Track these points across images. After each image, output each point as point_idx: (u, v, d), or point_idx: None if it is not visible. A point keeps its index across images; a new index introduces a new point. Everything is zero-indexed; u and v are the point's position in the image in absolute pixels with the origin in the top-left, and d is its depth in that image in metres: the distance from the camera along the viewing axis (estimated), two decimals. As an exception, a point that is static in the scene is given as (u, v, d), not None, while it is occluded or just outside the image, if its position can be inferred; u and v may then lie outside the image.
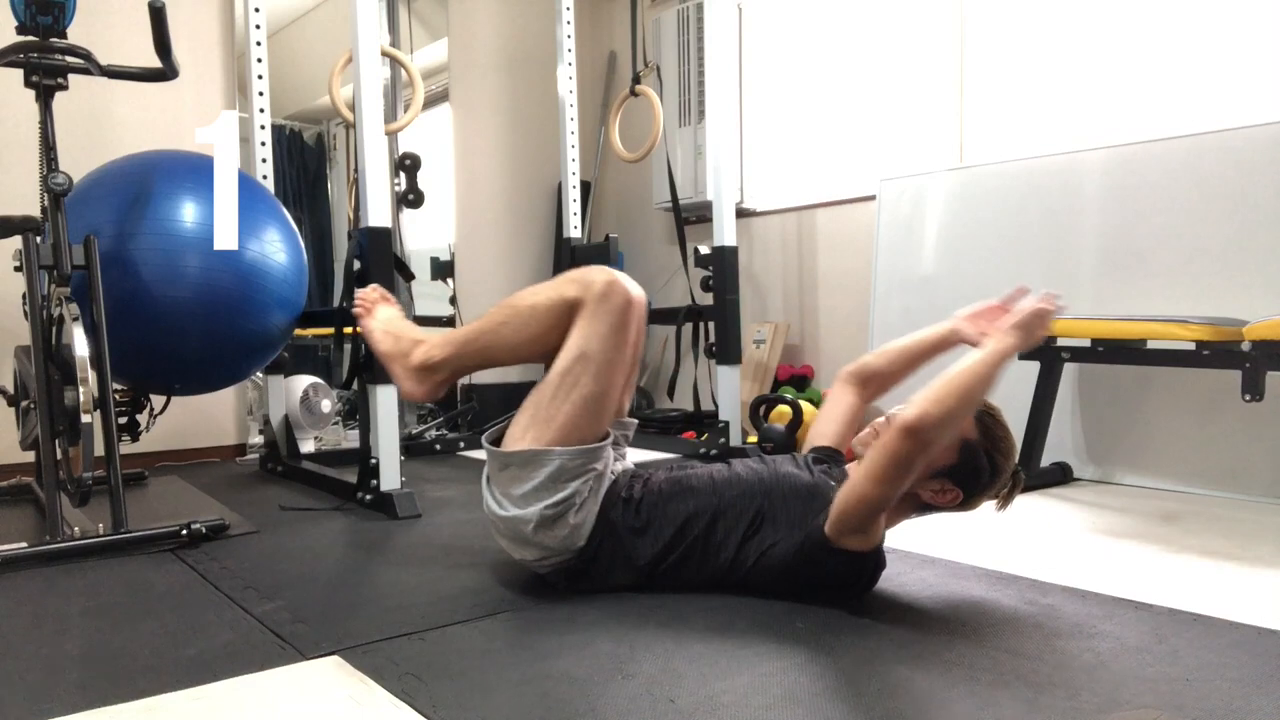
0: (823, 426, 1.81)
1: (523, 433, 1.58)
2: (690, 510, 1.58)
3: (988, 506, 1.57)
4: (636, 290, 1.60)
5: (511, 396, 3.93)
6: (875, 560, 1.53)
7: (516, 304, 1.66)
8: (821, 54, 3.67)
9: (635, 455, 1.76)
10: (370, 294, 1.95)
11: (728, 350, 3.09)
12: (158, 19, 2.05)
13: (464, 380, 3.93)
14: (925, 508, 1.56)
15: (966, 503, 1.53)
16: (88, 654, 1.36)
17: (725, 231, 3.08)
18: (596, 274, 1.59)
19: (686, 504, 1.59)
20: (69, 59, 2.05)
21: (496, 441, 1.63)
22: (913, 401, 1.36)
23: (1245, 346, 2.08)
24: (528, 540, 1.58)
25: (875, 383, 1.81)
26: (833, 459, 1.71)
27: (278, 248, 2.50)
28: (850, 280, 3.53)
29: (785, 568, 1.51)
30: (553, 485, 1.55)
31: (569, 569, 1.60)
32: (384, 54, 2.88)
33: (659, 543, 1.58)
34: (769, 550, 1.52)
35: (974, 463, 1.51)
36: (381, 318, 1.88)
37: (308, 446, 3.22)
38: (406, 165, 3.58)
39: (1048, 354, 2.49)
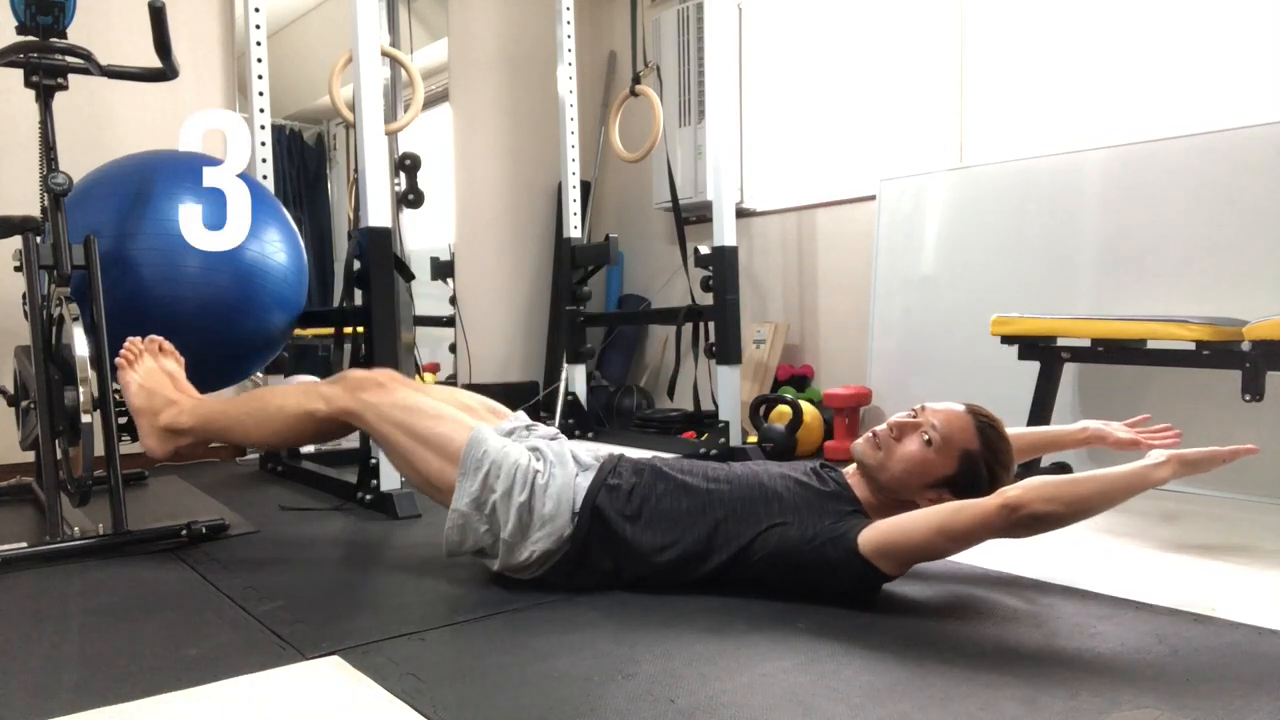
0: None
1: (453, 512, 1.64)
2: (690, 507, 1.57)
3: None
4: (363, 374, 1.74)
5: (512, 397, 3.95)
6: (883, 574, 1.52)
7: (266, 404, 1.79)
8: (821, 54, 3.67)
9: (636, 456, 1.76)
10: (137, 345, 1.96)
11: (728, 350, 3.09)
12: (158, 19, 2.04)
13: (464, 380, 3.94)
14: None
15: None
16: (88, 654, 1.36)
17: (725, 231, 3.08)
18: (334, 388, 1.73)
19: (683, 501, 1.58)
20: (69, 59, 2.05)
21: (448, 549, 1.66)
22: (1029, 486, 1.35)
23: (1245, 346, 2.08)
24: (524, 565, 1.60)
25: None
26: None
27: (278, 248, 2.50)
28: (850, 280, 3.53)
29: (796, 563, 1.49)
30: (482, 518, 1.59)
31: (563, 562, 1.60)
32: (384, 54, 2.87)
33: (656, 535, 1.57)
34: (778, 547, 1.51)
35: (973, 473, 1.51)
36: (143, 370, 1.92)
37: (308, 446, 3.21)
38: (406, 165, 3.57)
39: (1048, 354, 2.49)
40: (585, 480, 1.63)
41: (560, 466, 1.64)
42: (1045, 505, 1.33)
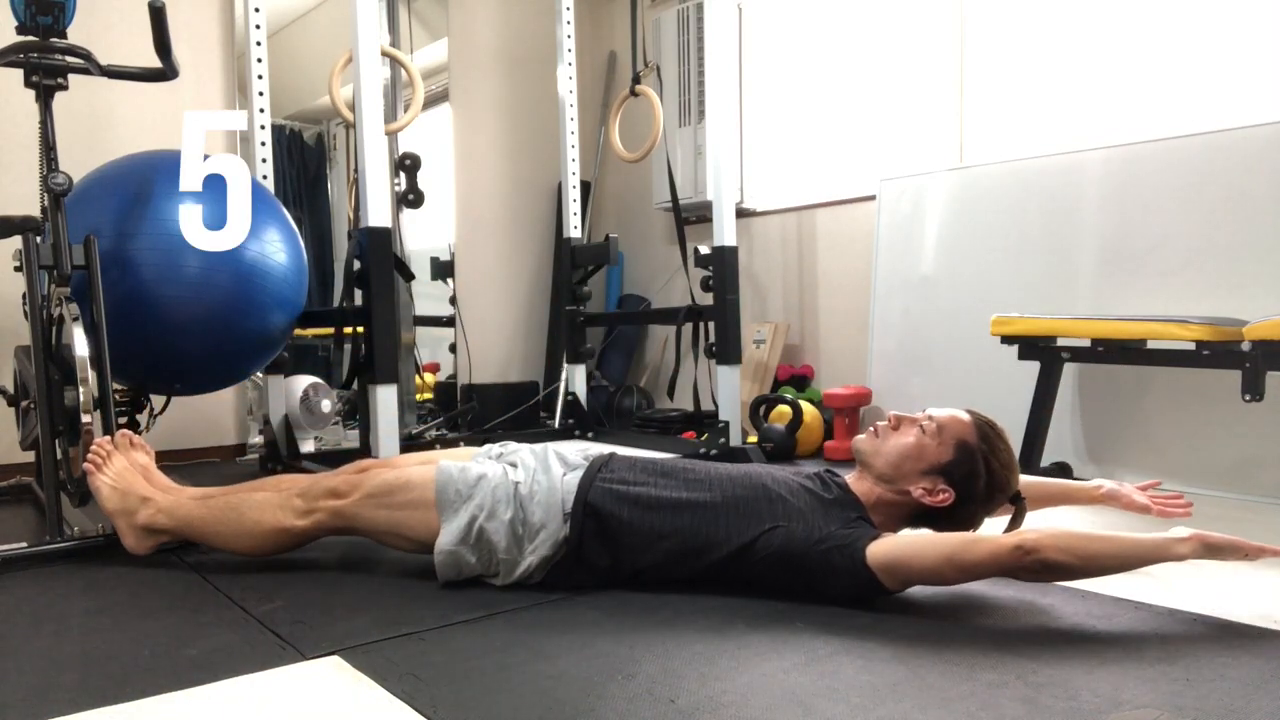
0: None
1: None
2: (689, 501, 1.57)
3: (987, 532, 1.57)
4: (330, 481, 1.73)
5: (512, 396, 3.95)
6: (881, 585, 1.52)
7: (243, 513, 1.77)
8: (821, 54, 3.67)
9: (628, 454, 1.76)
10: (105, 445, 1.90)
11: (728, 350, 3.09)
12: (158, 19, 2.05)
13: (464, 380, 3.94)
14: (919, 516, 1.56)
15: (959, 510, 1.53)
16: (88, 654, 1.36)
17: (725, 231, 3.08)
18: (314, 503, 1.72)
19: (682, 494, 1.58)
20: (69, 59, 2.05)
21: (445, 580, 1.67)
22: (1047, 534, 1.36)
23: (1245, 346, 2.08)
24: (529, 573, 1.61)
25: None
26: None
27: (278, 248, 2.50)
28: (850, 280, 3.53)
29: (798, 565, 1.49)
30: (470, 546, 1.60)
31: (564, 563, 1.60)
32: (384, 54, 2.88)
33: (655, 522, 1.56)
34: (781, 549, 1.50)
35: (970, 465, 1.51)
36: (113, 472, 1.87)
37: (308, 446, 3.21)
38: (406, 165, 3.57)
39: (1048, 354, 2.49)
40: (575, 478, 1.63)
41: (544, 472, 1.64)
42: (1059, 555, 1.35)
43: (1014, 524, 1.57)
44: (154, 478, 1.91)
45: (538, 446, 1.74)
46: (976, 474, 1.51)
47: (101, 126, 3.11)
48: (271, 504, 1.75)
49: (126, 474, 1.88)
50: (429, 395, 4.04)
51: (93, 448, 1.88)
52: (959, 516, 1.54)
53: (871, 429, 1.61)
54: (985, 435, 1.54)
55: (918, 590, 1.60)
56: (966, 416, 1.57)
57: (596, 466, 1.66)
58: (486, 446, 1.84)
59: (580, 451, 1.73)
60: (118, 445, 1.90)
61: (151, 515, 1.82)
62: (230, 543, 1.78)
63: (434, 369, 4.10)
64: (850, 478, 1.62)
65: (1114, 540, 1.38)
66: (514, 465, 1.67)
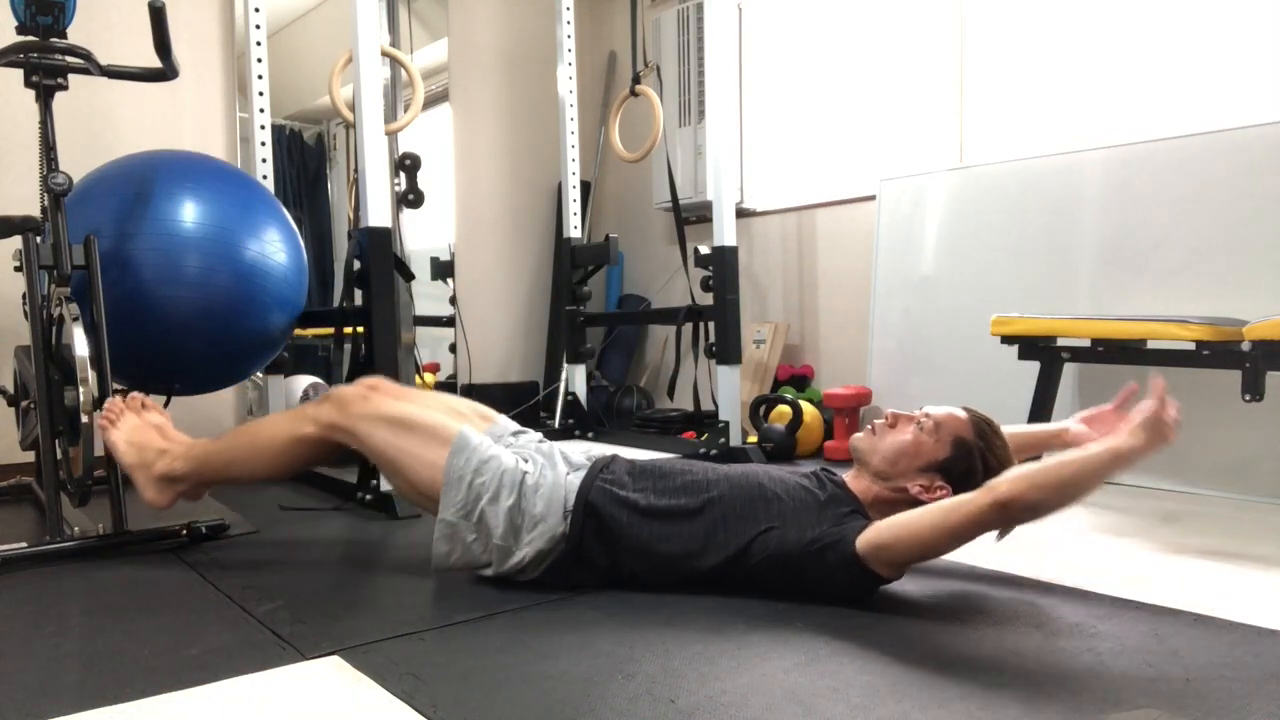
0: None
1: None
2: (686, 505, 1.57)
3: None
4: (350, 390, 1.73)
5: (512, 396, 3.95)
6: (879, 577, 1.53)
7: (256, 435, 1.79)
8: (821, 54, 3.67)
9: (636, 456, 1.77)
10: (117, 404, 1.93)
11: (728, 350, 3.09)
12: (158, 19, 2.04)
13: (464, 380, 3.94)
14: None
15: None
16: (88, 654, 1.36)
17: (725, 231, 3.08)
18: (321, 408, 1.73)
19: (680, 498, 1.58)
20: (69, 59, 2.05)
21: (436, 563, 1.66)
22: (1013, 477, 1.35)
23: (1245, 346, 2.08)
24: (520, 568, 1.60)
25: None
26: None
27: (278, 248, 2.50)
28: (850, 280, 3.53)
29: (794, 566, 1.50)
30: (470, 526, 1.59)
31: (562, 561, 1.60)
32: (384, 54, 2.88)
33: (654, 526, 1.57)
34: (777, 549, 1.51)
35: (967, 462, 1.51)
36: (126, 428, 1.90)
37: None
38: (406, 165, 3.57)
39: (1048, 354, 2.49)
40: (577, 479, 1.63)
41: (551, 468, 1.64)
42: (1036, 493, 1.33)
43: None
44: (169, 434, 1.92)
45: (544, 444, 1.74)
46: (974, 471, 1.51)
47: (101, 126, 3.11)
48: (284, 419, 1.77)
49: (141, 429, 1.90)
50: (429, 395, 4.04)
51: (105, 406, 1.91)
52: None
53: (869, 427, 1.62)
54: (982, 432, 1.55)
55: (917, 590, 1.60)
56: (963, 414, 1.57)
57: (599, 468, 1.66)
58: (504, 419, 1.83)
59: (583, 452, 1.73)
60: (129, 406, 1.93)
61: (169, 464, 1.83)
62: (248, 467, 1.78)
63: (434, 369, 4.10)
64: (848, 476, 1.63)
65: (1073, 462, 1.35)
66: (523, 454, 1.67)
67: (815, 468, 1.69)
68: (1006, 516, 1.35)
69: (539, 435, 1.80)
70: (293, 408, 1.81)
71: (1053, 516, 1.36)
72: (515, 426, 1.81)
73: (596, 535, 1.58)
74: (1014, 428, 1.73)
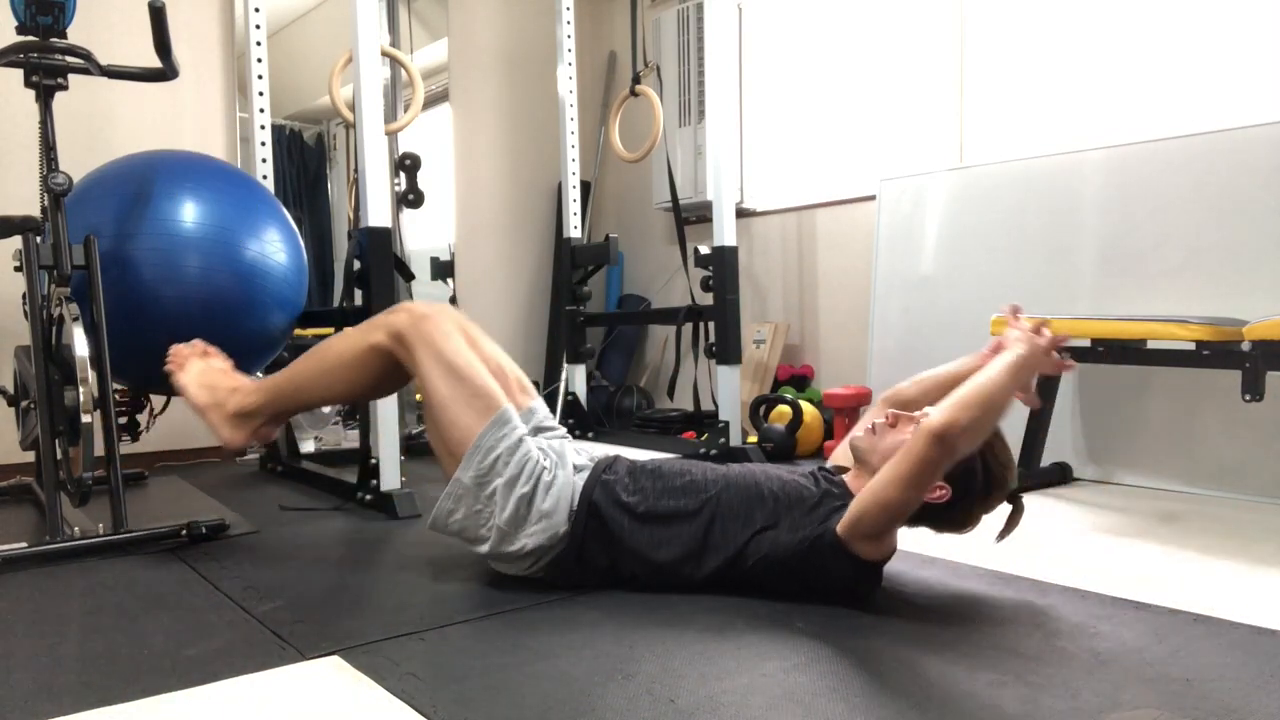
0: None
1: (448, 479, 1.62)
2: (685, 507, 1.58)
3: (988, 533, 1.57)
4: (436, 307, 1.69)
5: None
6: (876, 568, 1.53)
7: (326, 351, 1.75)
8: (821, 54, 3.67)
9: (636, 456, 1.77)
10: (182, 349, 1.93)
11: (728, 350, 3.09)
12: (158, 19, 2.05)
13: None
14: (916, 514, 1.55)
15: (957, 506, 1.53)
16: (88, 654, 1.36)
17: (725, 231, 3.08)
18: (397, 315, 1.69)
19: (679, 500, 1.59)
20: (69, 59, 2.05)
21: (433, 520, 1.65)
22: (940, 408, 1.38)
23: (1245, 346, 2.08)
24: (515, 556, 1.60)
25: (909, 410, 1.79)
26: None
27: (278, 248, 2.50)
28: (850, 280, 3.53)
29: (789, 567, 1.51)
30: (480, 498, 1.58)
31: (561, 560, 1.60)
32: (384, 54, 2.88)
33: (652, 532, 1.57)
34: (771, 549, 1.52)
35: (967, 461, 1.51)
36: (194, 371, 1.89)
37: (308, 446, 3.22)
38: (406, 165, 3.57)
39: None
40: (581, 479, 1.64)
41: (562, 467, 1.64)
42: (964, 414, 1.37)
43: (1010, 524, 1.57)
44: (234, 375, 1.90)
45: (562, 441, 1.74)
46: (973, 471, 1.51)
47: (101, 126, 3.11)
48: (354, 332, 1.74)
49: (208, 371, 1.88)
50: (429, 395, 4.04)
51: (170, 353, 1.90)
52: (956, 513, 1.53)
53: (869, 426, 1.62)
54: None
55: (917, 590, 1.60)
56: None
57: (601, 468, 1.66)
58: (541, 403, 1.79)
59: (585, 453, 1.73)
60: (192, 351, 1.92)
61: (241, 400, 1.81)
62: (321, 386, 1.75)
63: (434, 369, 4.09)
64: (849, 475, 1.63)
65: (982, 378, 1.42)
66: (547, 449, 1.66)
67: (814, 467, 1.69)
68: (947, 445, 1.36)
69: (563, 430, 1.79)
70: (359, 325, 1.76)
71: (982, 434, 1.41)
72: (546, 412, 1.79)
73: (597, 536, 1.58)
74: (928, 373, 1.76)
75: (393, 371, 1.74)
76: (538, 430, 1.74)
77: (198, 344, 1.96)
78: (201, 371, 1.89)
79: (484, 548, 1.62)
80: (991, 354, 1.55)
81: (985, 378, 1.42)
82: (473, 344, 1.72)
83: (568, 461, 1.66)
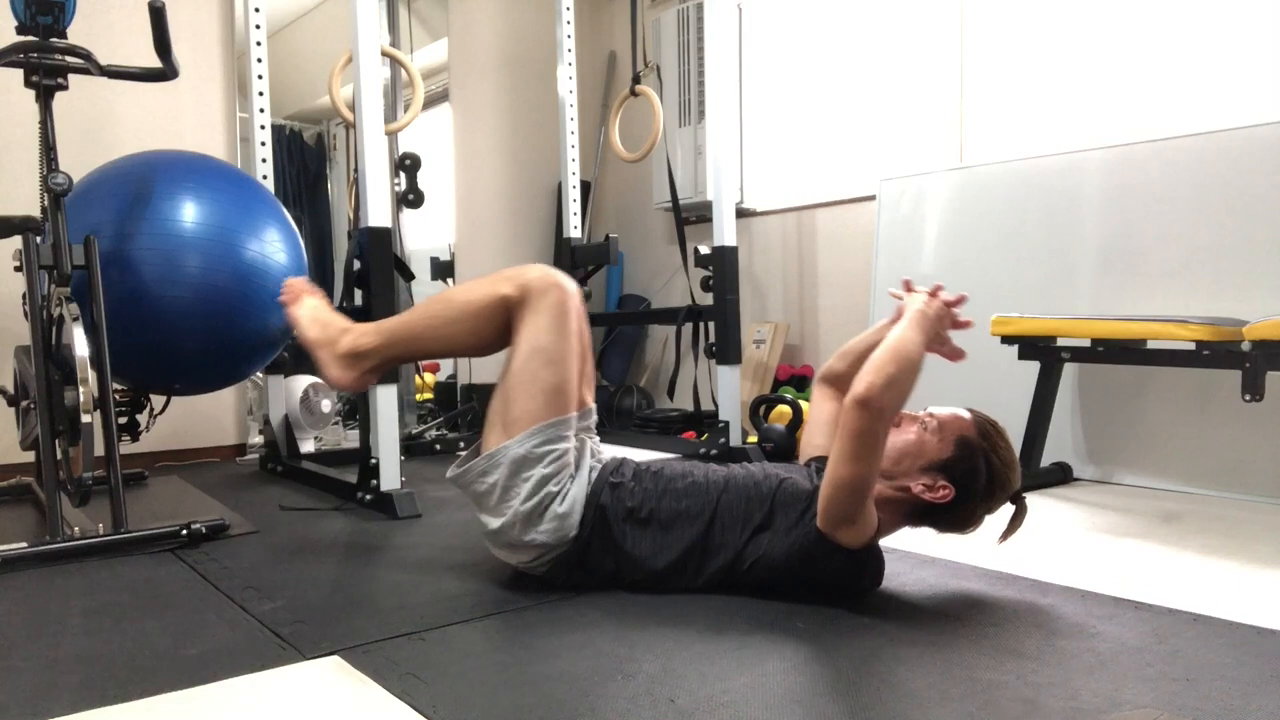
0: (813, 437, 1.82)
1: (486, 437, 1.61)
2: (686, 510, 1.58)
3: (990, 533, 1.57)
4: (570, 282, 1.64)
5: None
6: (874, 559, 1.54)
7: (451, 298, 1.69)
8: (821, 54, 3.67)
9: (636, 455, 1.76)
10: (296, 282, 1.91)
11: (728, 350, 3.09)
12: (158, 19, 2.05)
13: (464, 380, 3.94)
14: (918, 514, 1.55)
15: (959, 506, 1.53)
16: (88, 654, 1.36)
17: (725, 231, 3.08)
18: (531, 271, 1.64)
19: (681, 503, 1.59)
20: (69, 59, 2.05)
21: (460, 473, 1.64)
22: (858, 377, 1.40)
23: (1245, 346, 2.08)
24: (519, 544, 1.59)
25: (844, 384, 1.80)
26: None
27: (278, 248, 2.50)
28: (850, 280, 3.53)
29: (785, 566, 1.52)
30: (516, 478, 1.56)
31: (565, 560, 1.60)
32: (384, 54, 2.87)
33: (653, 540, 1.58)
34: (767, 550, 1.52)
35: (970, 461, 1.51)
36: (308, 305, 1.86)
37: (308, 446, 3.22)
38: (406, 165, 3.57)
39: (1048, 354, 2.49)
40: (591, 476, 1.64)
41: (580, 471, 1.64)
42: (881, 374, 1.39)
43: (1013, 524, 1.57)
44: (345, 317, 1.86)
45: (588, 454, 1.72)
46: (977, 470, 1.51)
47: (101, 126, 3.11)
48: (480, 282, 1.67)
49: (322, 307, 1.85)
50: (429, 395, 4.04)
51: (284, 286, 1.87)
52: (959, 513, 1.53)
53: None
54: (986, 433, 1.54)
55: (917, 590, 1.60)
56: (967, 414, 1.57)
57: (609, 470, 1.66)
58: (593, 409, 1.76)
59: (599, 452, 1.73)
60: (306, 287, 1.89)
61: (355, 339, 1.75)
62: (446, 338, 1.69)
63: (434, 369, 4.10)
64: None
65: (890, 339, 1.45)
66: (577, 464, 1.65)
67: (817, 463, 1.68)
68: (873, 408, 1.37)
69: (597, 438, 1.78)
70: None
71: (903, 388, 1.41)
72: (593, 421, 1.78)
73: (603, 540, 1.59)
74: (851, 343, 1.84)
75: (509, 323, 1.67)
76: (581, 435, 1.72)
77: (305, 279, 1.92)
78: (315, 307, 1.85)
79: (494, 523, 1.60)
80: (895, 319, 1.60)
81: (892, 336, 1.46)
82: (581, 328, 1.67)
83: (585, 464, 1.65)
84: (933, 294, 1.58)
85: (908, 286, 1.63)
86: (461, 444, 3.54)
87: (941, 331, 1.57)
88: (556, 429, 1.59)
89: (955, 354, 1.61)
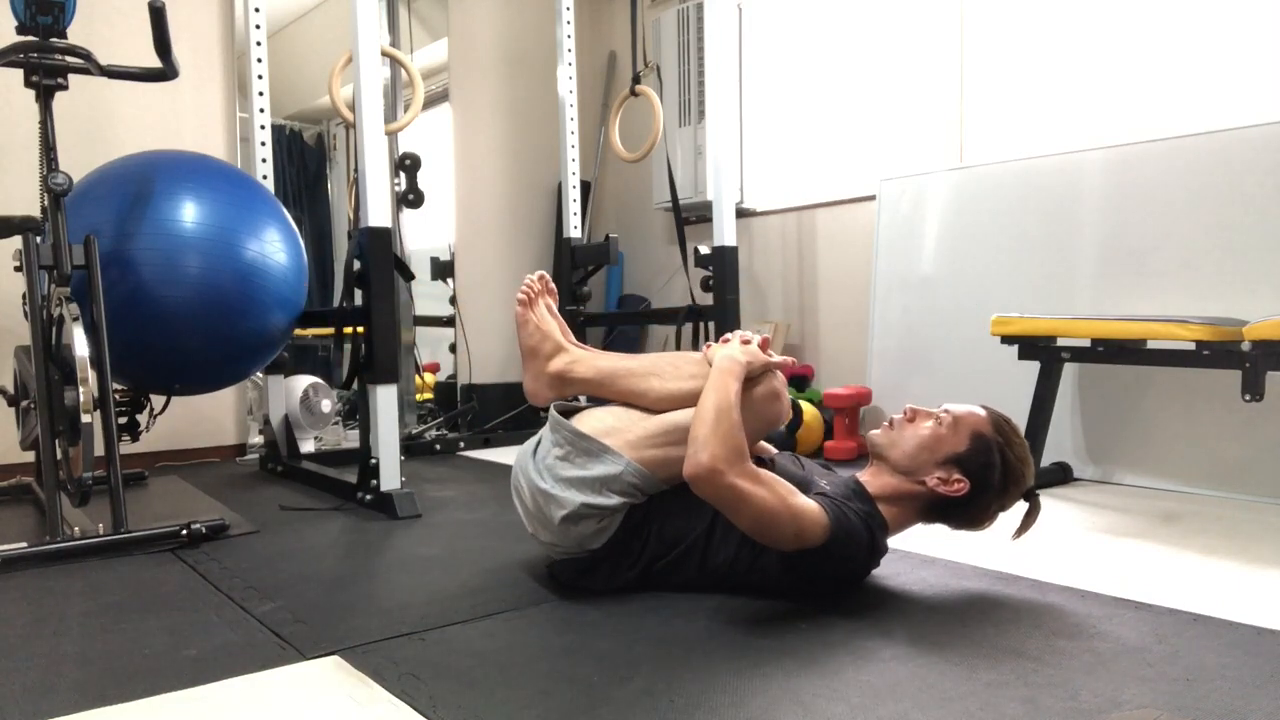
0: None
1: (605, 431, 1.58)
2: (687, 511, 1.58)
3: (992, 533, 1.57)
4: (753, 353, 1.58)
5: (511, 396, 3.95)
6: (870, 549, 1.52)
7: (678, 371, 1.64)
8: (821, 54, 3.67)
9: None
10: (536, 283, 1.86)
11: (728, 350, 3.08)
12: (158, 19, 2.05)
13: (464, 380, 3.94)
14: (932, 509, 1.55)
15: (973, 502, 1.53)
16: (88, 654, 1.36)
17: (725, 231, 3.08)
18: (731, 350, 1.59)
19: (683, 502, 1.59)
20: (69, 59, 2.05)
21: (568, 414, 1.63)
22: (697, 450, 1.39)
23: (1245, 346, 2.08)
24: (550, 523, 1.58)
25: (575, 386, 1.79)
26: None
27: (278, 248, 2.50)
28: (850, 280, 3.53)
29: (780, 569, 1.51)
30: (600, 487, 1.55)
31: (578, 564, 1.61)
32: (384, 54, 2.87)
33: (655, 542, 1.58)
34: (763, 552, 1.52)
35: (985, 456, 1.51)
36: (539, 311, 1.84)
37: (308, 446, 3.22)
38: (406, 165, 3.57)
39: (1048, 354, 2.49)
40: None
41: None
42: (718, 439, 1.39)
43: (1027, 520, 1.57)
44: (566, 332, 1.85)
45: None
46: (991, 465, 1.51)
47: (101, 126, 3.11)
48: (695, 365, 1.63)
49: (548, 318, 1.84)
50: (429, 395, 4.05)
51: (524, 283, 1.85)
52: (974, 508, 1.53)
53: (886, 423, 1.61)
54: (1000, 428, 1.55)
55: (918, 590, 1.60)
56: (982, 411, 1.58)
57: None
58: None
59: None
60: (542, 289, 1.86)
61: (568, 364, 1.75)
62: (651, 399, 1.64)
63: (434, 369, 4.10)
64: (864, 473, 1.61)
65: (709, 393, 1.46)
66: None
67: (817, 461, 1.68)
68: (717, 472, 1.37)
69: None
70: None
71: (731, 438, 1.40)
72: None
73: (618, 555, 1.58)
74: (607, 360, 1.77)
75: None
76: None
77: (543, 275, 1.89)
78: (544, 315, 1.83)
79: (569, 471, 1.57)
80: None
81: (702, 400, 1.46)
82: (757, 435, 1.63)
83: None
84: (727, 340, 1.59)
85: (722, 339, 1.62)
86: (461, 443, 3.54)
87: (754, 365, 1.54)
88: (652, 485, 1.57)
89: (780, 365, 1.60)
